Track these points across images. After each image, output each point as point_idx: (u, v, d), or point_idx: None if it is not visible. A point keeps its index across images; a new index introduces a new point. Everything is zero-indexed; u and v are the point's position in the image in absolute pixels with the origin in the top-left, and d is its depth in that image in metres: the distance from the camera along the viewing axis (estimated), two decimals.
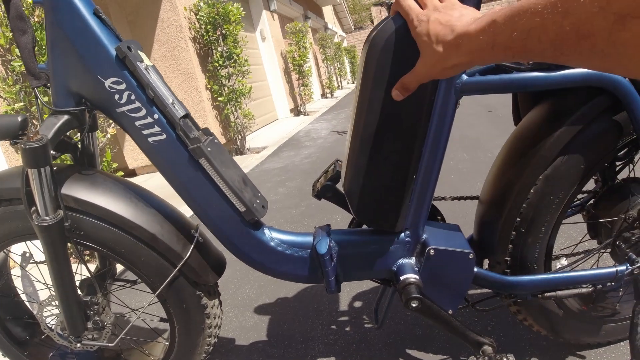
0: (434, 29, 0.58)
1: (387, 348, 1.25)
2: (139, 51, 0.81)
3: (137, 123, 0.82)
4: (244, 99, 5.04)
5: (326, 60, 12.21)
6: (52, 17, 0.81)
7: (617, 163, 1.06)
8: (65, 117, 0.87)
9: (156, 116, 0.81)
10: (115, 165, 2.63)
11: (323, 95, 12.24)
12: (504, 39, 0.46)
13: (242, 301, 1.66)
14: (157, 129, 0.81)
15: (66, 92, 0.86)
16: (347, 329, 1.38)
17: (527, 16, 0.42)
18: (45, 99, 2.53)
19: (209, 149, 0.82)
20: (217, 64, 4.85)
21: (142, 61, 0.79)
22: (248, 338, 1.42)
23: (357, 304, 1.50)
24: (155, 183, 3.98)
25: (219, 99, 4.86)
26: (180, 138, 0.82)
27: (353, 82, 17.27)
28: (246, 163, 4.39)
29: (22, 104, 2.61)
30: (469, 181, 2.57)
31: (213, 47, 4.90)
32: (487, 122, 4.19)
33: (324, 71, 12.52)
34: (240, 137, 5.03)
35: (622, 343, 1.12)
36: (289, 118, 8.09)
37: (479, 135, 3.69)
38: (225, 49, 4.85)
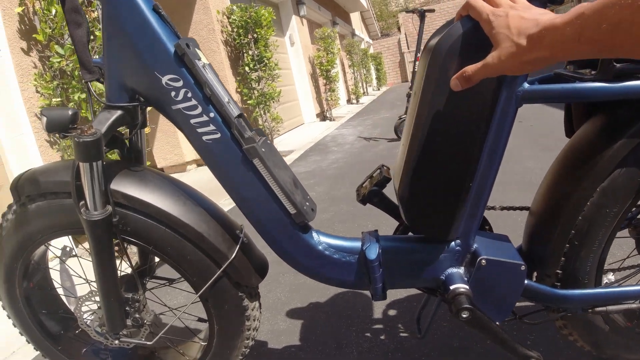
0: (515, 22, 0.57)
1: (424, 359, 1.23)
2: (196, 49, 0.81)
3: (192, 121, 0.82)
4: (273, 102, 5.06)
5: (353, 66, 12.22)
6: (110, 11, 0.81)
7: None
8: (119, 112, 0.87)
9: (212, 115, 0.81)
10: (148, 163, 2.67)
11: (349, 101, 12.25)
12: (591, 32, 0.45)
13: (273, 304, 1.66)
14: (212, 127, 0.81)
15: (120, 87, 0.86)
16: (382, 337, 1.35)
17: (616, 9, 0.42)
18: (83, 95, 2.59)
19: (263, 150, 0.82)
20: (247, 67, 4.88)
21: (199, 59, 0.79)
22: (280, 342, 1.41)
23: (392, 312, 1.48)
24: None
25: (249, 102, 4.90)
26: (234, 137, 0.82)
27: (379, 89, 17.23)
28: None
29: (59, 99, 2.67)
30: (501, 191, 2.52)
31: (244, 51, 4.94)
32: (518, 133, 4.12)
33: (350, 77, 12.52)
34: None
35: None
36: (314, 123, 8.11)
37: (510, 146, 3.63)
38: (256, 52, 4.88)
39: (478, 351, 1.22)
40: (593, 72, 0.77)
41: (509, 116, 0.77)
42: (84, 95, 2.58)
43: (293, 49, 7.96)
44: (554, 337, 1.23)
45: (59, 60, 2.55)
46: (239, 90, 4.93)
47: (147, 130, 2.93)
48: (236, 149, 0.82)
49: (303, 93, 8.06)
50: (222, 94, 0.80)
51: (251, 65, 4.88)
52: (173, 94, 0.81)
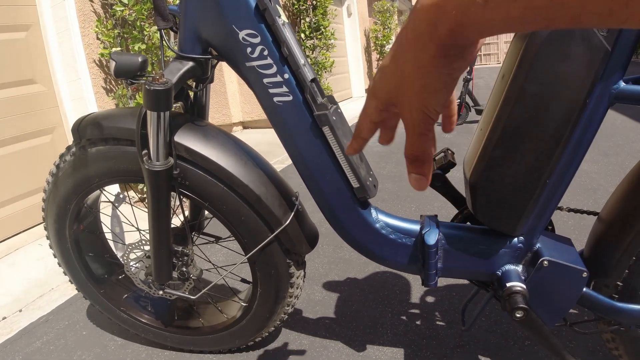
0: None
1: (459, 350, 1.20)
2: (277, 5, 0.78)
3: (266, 80, 0.79)
4: (325, 72, 5.00)
5: None
6: None
7: None
8: (190, 64, 0.86)
9: (286, 76, 0.78)
10: None
11: None
12: None
13: (311, 274, 1.66)
14: (284, 89, 0.79)
15: (194, 39, 0.84)
16: (418, 322, 1.34)
17: None
18: (143, 46, 2.61)
19: (334, 118, 0.79)
20: (303, 34, 4.82)
21: (280, 16, 0.77)
22: (316, 312, 1.41)
23: (430, 299, 1.46)
24: None
25: None
26: (306, 102, 0.79)
27: None
28: None
29: (119, 48, 2.70)
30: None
31: (301, 17, 4.87)
32: None
33: None
34: None
35: None
36: (363, 97, 7.99)
37: None
38: (313, 19, 4.81)
39: (515, 351, 1.18)
40: None
41: (599, 113, 0.71)
42: (144, 46, 2.60)
43: (350, 20, 7.80)
44: (594, 348, 1.18)
45: (121, 9, 2.56)
46: None
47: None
48: (306, 114, 0.80)
49: (355, 66, 7.93)
50: (299, 55, 0.77)
51: (307, 33, 4.82)
52: (249, 50, 0.78)
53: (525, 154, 0.73)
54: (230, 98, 4.64)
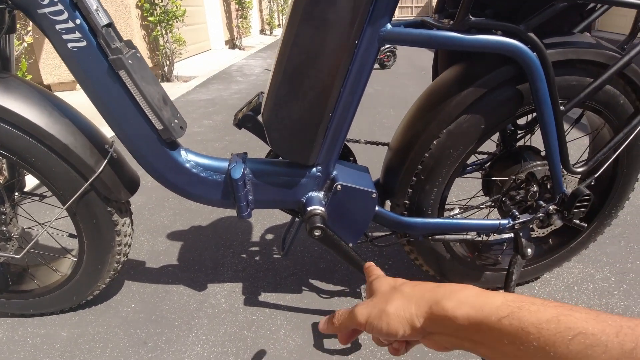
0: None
1: (292, 277, 1.34)
2: None
3: (58, 27, 0.79)
4: (177, 22, 4.77)
5: None
6: None
7: (519, 131, 1.17)
8: None
9: (78, 21, 0.78)
10: (29, 77, 2.44)
11: (262, 32, 11.84)
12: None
13: (155, 227, 1.67)
14: (77, 34, 0.79)
15: None
16: (257, 258, 1.45)
17: None
18: None
19: (130, 62, 0.81)
20: None
21: None
22: (159, 262, 1.45)
23: (269, 236, 1.58)
24: (71, 102, 3.73)
25: (149, 18, 4.57)
26: (101, 47, 0.80)
27: None
28: (172, 91, 4.23)
29: None
30: (390, 135, 2.68)
31: None
32: (418, 84, 4.33)
33: (266, 6, 12.05)
34: (168, 62, 4.80)
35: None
36: (222, 50, 7.79)
37: (408, 95, 3.82)
38: None
39: (342, 272, 1.36)
40: (451, 22, 0.84)
41: (370, 54, 0.83)
42: None
43: None
44: (409, 265, 1.39)
45: None
46: (139, 4, 4.57)
47: (29, 39, 2.64)
48: (102, 59, 0.81)
49: (212, 17, 7.64)
50: (90, 0, 0.78)
51: None
52: None
53: (306, 91, 0.83)
54: None
